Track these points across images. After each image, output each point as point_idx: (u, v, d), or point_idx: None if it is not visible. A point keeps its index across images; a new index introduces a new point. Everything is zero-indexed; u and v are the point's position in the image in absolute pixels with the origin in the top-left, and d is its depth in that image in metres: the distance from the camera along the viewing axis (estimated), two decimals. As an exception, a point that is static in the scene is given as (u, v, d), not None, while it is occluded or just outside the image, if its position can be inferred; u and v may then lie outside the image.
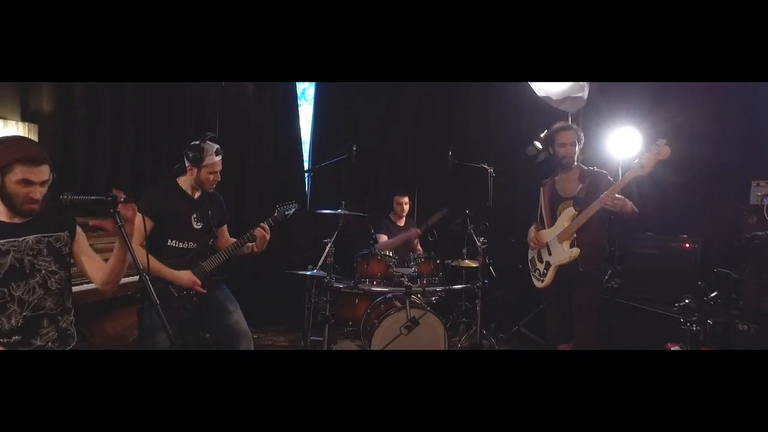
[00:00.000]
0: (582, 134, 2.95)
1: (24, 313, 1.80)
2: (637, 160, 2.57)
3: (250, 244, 2.70)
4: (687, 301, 1.56)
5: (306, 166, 5.09)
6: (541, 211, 3.06)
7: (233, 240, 2.77)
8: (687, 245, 3.28)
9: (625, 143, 3.71)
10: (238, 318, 2.74)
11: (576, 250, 2.76)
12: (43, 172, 1.78)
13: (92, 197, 1.70)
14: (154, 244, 2.48)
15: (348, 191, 4.88)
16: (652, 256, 3.46)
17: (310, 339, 4.18)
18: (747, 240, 2.61)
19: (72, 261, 1.97)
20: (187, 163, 2.57)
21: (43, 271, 1.85)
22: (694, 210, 3.59)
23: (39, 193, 1.79)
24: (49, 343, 1.86)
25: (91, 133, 3.68)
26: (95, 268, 1.95)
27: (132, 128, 3.94)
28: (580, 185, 2.85)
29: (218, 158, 2.62)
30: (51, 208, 1.90)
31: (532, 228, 3.10)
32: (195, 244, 2.61)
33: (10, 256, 1.78)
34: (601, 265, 2.96)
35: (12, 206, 1.79)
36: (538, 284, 3.03)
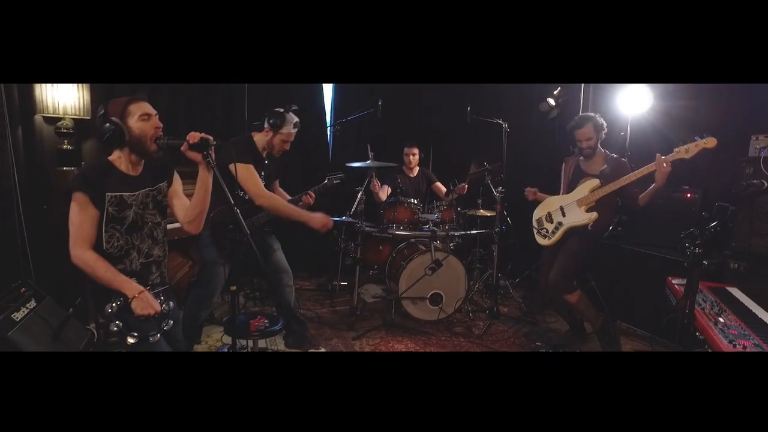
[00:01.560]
0: (602, 120, 3.16)
1: (140, 260, 2.00)
2: (684, 146, 2.78)
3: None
4: (691, 229, 1.84)
5: (328, 120, 5.27)
6: (560, 182, 3.40)
7: (285, 194, 3.05)
8: (688, 195, 3.55)
9: (634, 100, 3.92)
10: (281, 256, 3.07)
11: (594, 214, 3.09)
12: (150, 106, 1.94)
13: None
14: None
15: (370, 144, 5.11)
16: (656, 204, 3.68)
17: (339, 284, 4.54)
18: (742, 188, 2.87)
19: (166, 205, 2.13)
20: (266, 125, 2.80)
21: (150, 223, 2.03)
22: (697, 162, 3.82)
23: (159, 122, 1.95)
24: (157, 285, 2.07)
25: (131, 90, 3.89)
26: (183, 207, 2.11)
27: (167, 87, 4.15)
28: (605, 165, 3.13)
29: (294, 131, 2.84)
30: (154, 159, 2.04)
31: (531, 188, 3.49)
32: None
33: (132, 210, 1.96)
34: (604, 229, 3.28)
35: (141, 148, 1.92)
36: (544, 241, 3.34)
